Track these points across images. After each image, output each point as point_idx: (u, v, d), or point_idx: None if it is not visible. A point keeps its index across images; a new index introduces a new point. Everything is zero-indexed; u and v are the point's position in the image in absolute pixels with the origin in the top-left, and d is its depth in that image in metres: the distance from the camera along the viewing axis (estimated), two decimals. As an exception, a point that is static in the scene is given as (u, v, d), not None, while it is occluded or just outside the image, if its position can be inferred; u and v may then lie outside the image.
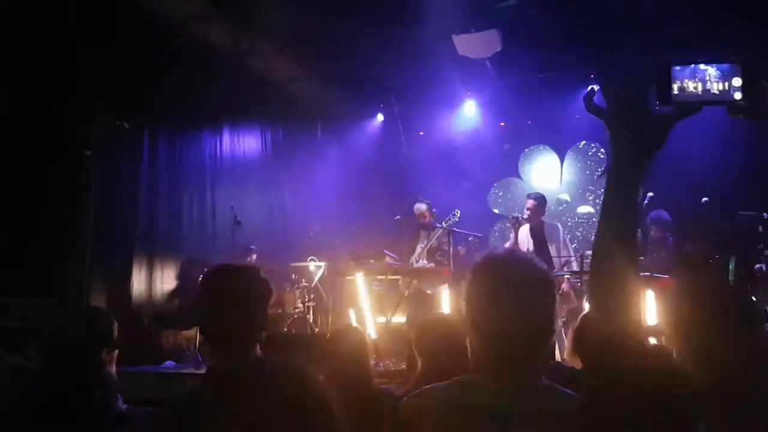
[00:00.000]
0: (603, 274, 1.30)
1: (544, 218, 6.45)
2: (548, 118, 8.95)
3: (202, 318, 1.93)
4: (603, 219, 1.30)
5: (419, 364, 2.67)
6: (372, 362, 3.04)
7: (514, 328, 1.44)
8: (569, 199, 8.95)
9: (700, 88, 1.27)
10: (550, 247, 6.22)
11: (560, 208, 8.98)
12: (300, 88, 8.90)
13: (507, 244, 6.51)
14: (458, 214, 6.65)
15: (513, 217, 6.42)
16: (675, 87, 1.28)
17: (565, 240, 6.42)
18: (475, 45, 7.08)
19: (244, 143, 8.88)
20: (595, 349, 1.36)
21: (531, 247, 6.16)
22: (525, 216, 6.32)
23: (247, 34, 7.51)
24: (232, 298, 1.86)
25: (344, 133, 9.58)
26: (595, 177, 8.98)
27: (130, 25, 6.16)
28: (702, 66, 1.27)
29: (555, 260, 6.13)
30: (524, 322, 1.44)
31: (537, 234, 6.30)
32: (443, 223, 6.63)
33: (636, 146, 1.27)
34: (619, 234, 1.28)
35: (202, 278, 2.02)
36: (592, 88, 1.35)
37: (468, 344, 2.37)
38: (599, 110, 1.33)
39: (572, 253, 6.39)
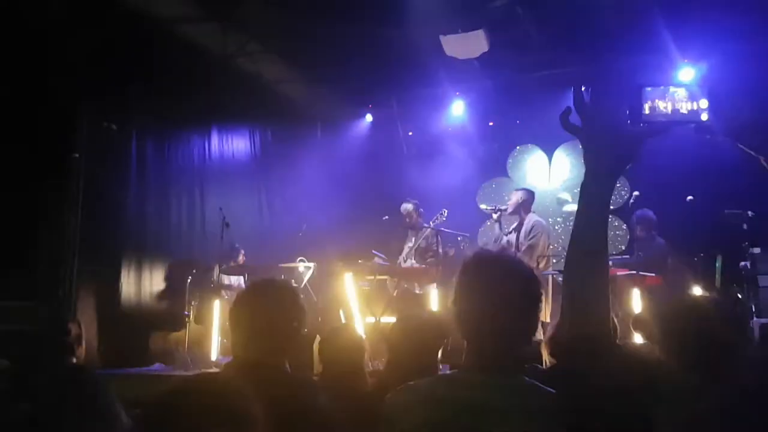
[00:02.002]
0: (574, 279, 1.34)
1: (531, 214, 6.48)
2: (536, 117, 8.97)
3: (237, 323, 2.01)
4: (576, 227, 1.35)
5: (386, 357, 2.71)
6: (366, 361, 3.06)
7: (499, 326, 1.47)
8: (570, 199, 8.98)
9: (669, 108, 1.33)
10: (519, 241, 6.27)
11: (553, 207, 9.03)
12: (288, 89, 8.89)
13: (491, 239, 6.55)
14: (445, 214, 6.67)
15: (492, 208, 6.49)
16: (646, 107, 1.34)
17: (533, 238, 6.36)
18: (463, 45, 7.10)
19: (232, 144, 8.86)
20: (563, 349, 1.40)
21: (512, 241, 6.23)
22: (504, 208, 6.41)
23: (235, 35, 7.50)
24: (267, 317, 1.96)
25: (333, 133, 9.59)
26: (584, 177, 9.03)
27: (117, 26, 6.14)
28: (672, 88, 1.34)
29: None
30: (509, 321, 1.47)
31: (518, 229, 6.38)
32: (430, 223, 6.65)
33: (608, 162, 1.33)
34: (590, 242, 1.33)
35: (247, 287, 2.26)
36: (568, 107, 1.40)
37: (441, 342, 2.39)
38: (574, 128, 1.39)
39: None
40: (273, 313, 1.98)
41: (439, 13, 6.74)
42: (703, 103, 1.31)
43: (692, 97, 1.32)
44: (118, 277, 6.92)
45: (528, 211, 6.44)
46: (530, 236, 6.21)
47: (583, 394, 1.28)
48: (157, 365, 6.29)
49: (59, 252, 6.09)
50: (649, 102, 1.33)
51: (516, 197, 6.46)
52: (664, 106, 1.33)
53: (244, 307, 2.03)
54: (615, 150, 1.32)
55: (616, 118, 1.33)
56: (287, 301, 2.02)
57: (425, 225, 6.68)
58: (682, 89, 1.32)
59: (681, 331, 1.64)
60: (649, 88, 1.33)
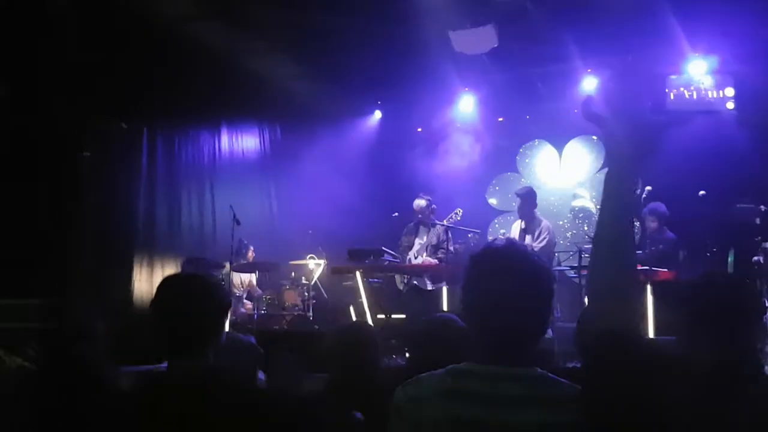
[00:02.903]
0: (601, 272, 1.31)
1: (535, 212, 6.47)
2: (546, 112, 8.94)
3: (154, 322, 1.96)
4: (600, 219, 1.33)
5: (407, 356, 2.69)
6: (380, 358, 3.05)
7: (509, 316, 1.47)
8: (586, 195, 8.91)
9: (695, 96, 1.29)
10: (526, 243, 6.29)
11: (563, 203, 8.99)
12: (297, 86, 8.90)
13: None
14: (460, 213, 6.67)
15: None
16: (671, 95, 1.30)
17: (541, 235, 6.37)
18: (472, 41, 7.08)
19: (242, 141, 8.90)
20: (592, 344, 1.38)
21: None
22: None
23: (242, 32, 7.51)
24: (178, 304, 1.91)
25: (342, 129, 9.59)
26: (596, 172, 8.97)
27: (126, 24, 6.17)
28: (697, 75, 1.30)
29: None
30: (519, 311, 1.47)
31: (525, 229, 6.38)
32: (444, 221, 6.63)
33: (631, 152, 1.29)
34: (616, 234, 1.30)
35: (157, 287, 2.02)
36: (590, 96, 1.37)
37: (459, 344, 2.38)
38: (597, 117, 1.36)
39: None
40: (183, 309, 1.90)
41: (448, 8, 6.72)
42: (729, 92, 1.27)
43: (718, 86, 1.28)
44: (130, 274, 6.97)
45: (534, 207, 6.44)
46: (540, 239, 6.25)
47: (608, 387, 1.27)
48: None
49: (71, 250, 6.13)
50: (675, 90, 1.30)
51: (517, 203, 6.46)
52: (689, 94, 1.30)
53: (155, 308, 1.96)
54: (638, 139, 1.29)
55: (640, 107, 1.30)
56: (198, 296, 1.92)
57: (437, 222, 6.66)
58: (708, 77, 1.28)
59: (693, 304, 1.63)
60: (674, 76, 1.29)
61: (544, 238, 6.24)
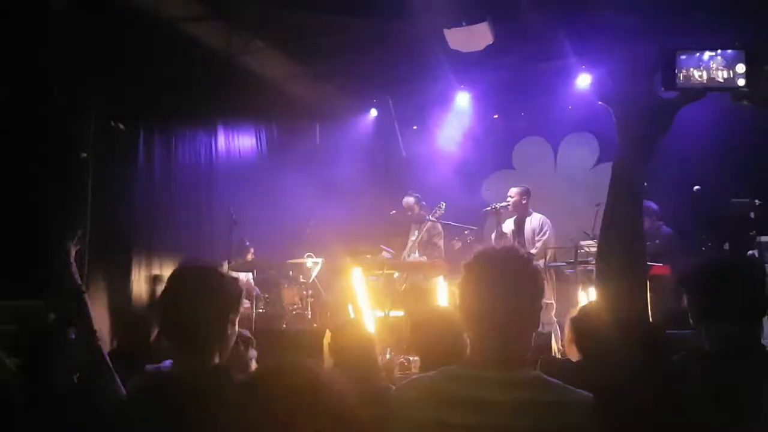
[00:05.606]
0: (610, 262, 1.28)
1: (531, 209, 6.53)
2: (541, 109, 8.97)
3: (164, 315, 1.86)
4: (609, 207, 1.29)
5: (418, 360, 2.69)
6: (379, 356, 3.07)
7: (501, 320, 1.49)
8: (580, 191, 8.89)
9: (705, 76, 1.26)
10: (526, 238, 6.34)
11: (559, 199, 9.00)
12: (293, 86, 8.90)
13: (492, 235, 6.56)
14: (443, 206, 6.70)
15: (492, 208, 6.50)
16: (680, 75, 1.26)
17: (544, 234, 6.42)
18: (467, 38, 7.09)
19: (239, 141, 8.89)
20: (596, 338, 1.37)
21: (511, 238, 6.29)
22: (504, 205, 6.43)
23: (238, 32, 7.51)
24: (197, 296, 1.80)
25: (339, 128, 9.59)
26: (590, 168, 8.99)
27: (123, 25, 6.16)
28: (707, 53, 1.26)
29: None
30: (513, 313, 1.50)
31: (520, 226, 6.42)
32: (429, 216, 6.66)
33: (642, 133, 1.25)
34: (625, 223, 1.26)
35: (170, 275, 1.91)
36: (601, 78, 1.36)
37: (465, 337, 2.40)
38: (606, 98, 1.32)
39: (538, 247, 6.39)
40: (200, 305, 1.78)
41: (443, 5, 6.72)
42: (740, 68, 1.24)
43: (728, 64, 1.24)
44: (128, 275, 6.98)
45: (527, 207, 6.51)
46: (542, 233, 6.31)
47: (614, 384, 1.26)
48: (167, 362, 6.33)
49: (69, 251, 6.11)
50: (684, 70, 1.26)
51: (515, 196, 6.50)
52: (698, 74, 1.26)
53: (168, 303, 1.83)
54: (649, 119, 1.25)
55: (649, 85, 1.26)
56: (214, 290, 1.81)
57: (427, 218, 6.69)
58: (717, 55, 1.24)
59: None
60: (683, 56, 1.26)
61: (545, 233, 6.33)
